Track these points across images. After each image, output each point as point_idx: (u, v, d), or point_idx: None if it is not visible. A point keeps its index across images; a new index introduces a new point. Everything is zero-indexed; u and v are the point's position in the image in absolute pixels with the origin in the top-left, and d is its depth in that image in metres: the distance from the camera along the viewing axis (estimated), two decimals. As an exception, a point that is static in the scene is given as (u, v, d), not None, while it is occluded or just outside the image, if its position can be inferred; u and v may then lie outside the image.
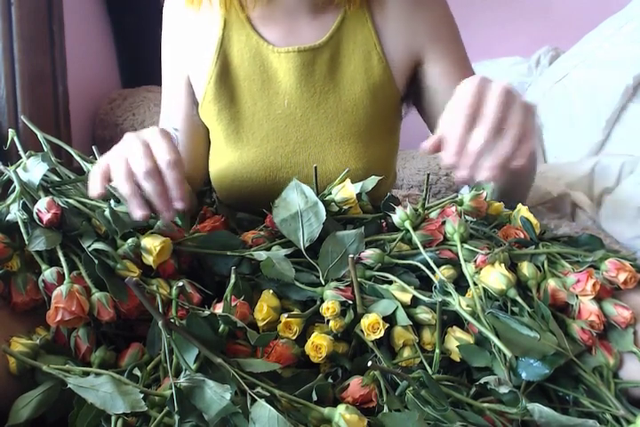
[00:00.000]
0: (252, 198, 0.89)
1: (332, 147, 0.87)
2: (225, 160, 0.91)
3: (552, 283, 0.66)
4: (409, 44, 0.87)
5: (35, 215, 0.62)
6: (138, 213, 0.62)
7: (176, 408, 0.49)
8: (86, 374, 0.53)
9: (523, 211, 0.75)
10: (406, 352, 0.63)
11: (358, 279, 0.64)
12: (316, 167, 0.76)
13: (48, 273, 0.60)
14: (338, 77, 0.86)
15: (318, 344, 0.60)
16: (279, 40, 0.86)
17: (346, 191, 0.72)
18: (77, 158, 0.73)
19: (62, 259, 0.61)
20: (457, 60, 0.90)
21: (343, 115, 0.87)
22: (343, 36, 0.85)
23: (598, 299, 0.65)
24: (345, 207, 0.72)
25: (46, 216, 0.61)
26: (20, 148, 0.71)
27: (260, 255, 0.65)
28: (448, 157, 0.60)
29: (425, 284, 0.67)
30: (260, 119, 0.88)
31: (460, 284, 0.67)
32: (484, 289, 0.64)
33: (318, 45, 0.85)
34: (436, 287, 0.64)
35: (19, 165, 0.69)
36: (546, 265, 0.68)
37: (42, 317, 0.58)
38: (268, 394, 0.50)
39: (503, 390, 0.56)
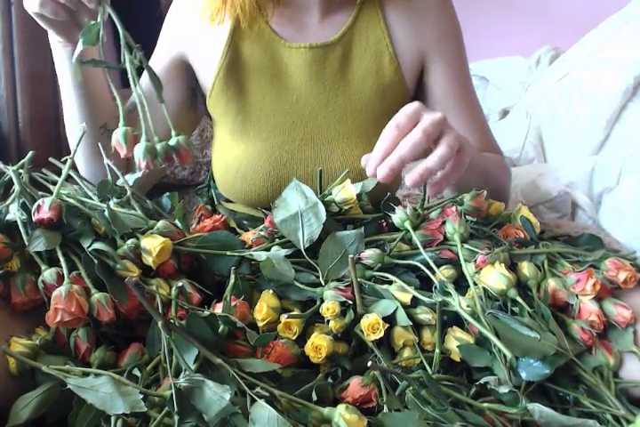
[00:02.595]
0: (254, 193, 0.89)
1: (339, 145, 0.87)
2: (230, 153, 0.91)
3: (552, 283, 0.66)
4: (418, 46, 0.87)
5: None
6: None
7: (176, 409, 0.49)
8: (86, 374, 0.53)
9: (523, 210, 0.75)
10: (406, 352, 0.63)
11: (358, 279, 0.64)
12: (320, 170, 0.76)
13: (47, 274, 0.60)
14: (348, 76, 0.86)
15: (318, 345, 0.60)
16: (291, 35, 0.86)
17: (346, 192, 0.71)
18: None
19: (62, 259, 0.61)
20: (457, 69, 0.90)
21: (352, 113, 0.87)
22: (355, 35, 0.85)
23: (598, 299, 0.65)
24: (345, 208, 0.72)
25: (40, 215, 0.61)
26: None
27: (260, 256, 0.65)
28: (369, 169, 0.64)
29: (425, 284, 0.66)
30: (268, 113, 0.87)
31: (460, 284, 0.67)
32: (484, 289, 0.64)
33: (330, 42, 0.85)
34: (436, 287, 0.64)
35: (20, 166, 0.69)
36: (546, 265, 0.68)
37: (41, 317, 0.58)
38: (267, 394, 0.50)
39: (503, 390, 0.56)
